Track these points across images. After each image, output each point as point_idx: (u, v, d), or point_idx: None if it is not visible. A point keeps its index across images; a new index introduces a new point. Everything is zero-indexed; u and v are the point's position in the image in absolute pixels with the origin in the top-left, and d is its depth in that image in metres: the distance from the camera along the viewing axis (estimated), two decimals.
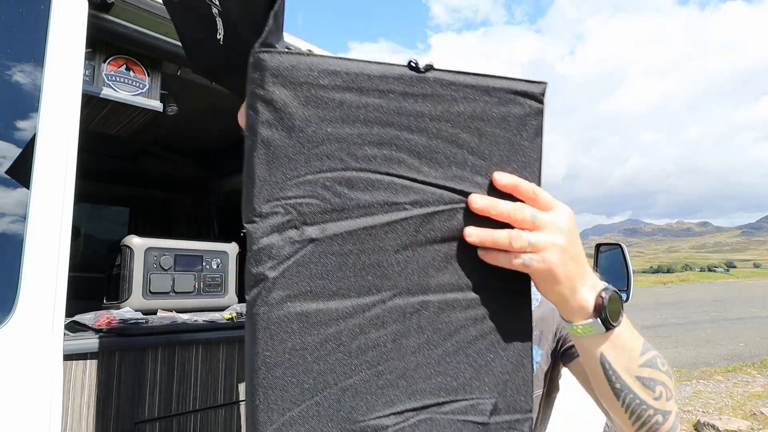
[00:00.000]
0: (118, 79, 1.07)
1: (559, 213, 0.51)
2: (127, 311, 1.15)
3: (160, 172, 2.56)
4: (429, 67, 0.48)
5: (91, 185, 2.32)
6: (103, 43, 1.03)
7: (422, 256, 0.48)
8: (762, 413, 4.04)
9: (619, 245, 2.45)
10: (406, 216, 0.48)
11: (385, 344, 0.47)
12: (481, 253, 0.49)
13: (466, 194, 0.49)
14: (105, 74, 1.05)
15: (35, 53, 0.78)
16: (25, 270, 0.72)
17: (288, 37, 1.25)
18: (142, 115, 1.18)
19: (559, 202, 0.52)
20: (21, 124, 0.76)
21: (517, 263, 0.48)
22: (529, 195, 0.50)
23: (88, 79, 1.02)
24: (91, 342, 0.95)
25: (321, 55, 0.46)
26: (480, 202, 0.48)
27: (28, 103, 0.77)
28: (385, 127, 0.47)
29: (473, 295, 0.50)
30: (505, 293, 0.51)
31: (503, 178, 0.49)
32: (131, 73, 1.09)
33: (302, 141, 0.45)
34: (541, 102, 0.51)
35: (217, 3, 0.54)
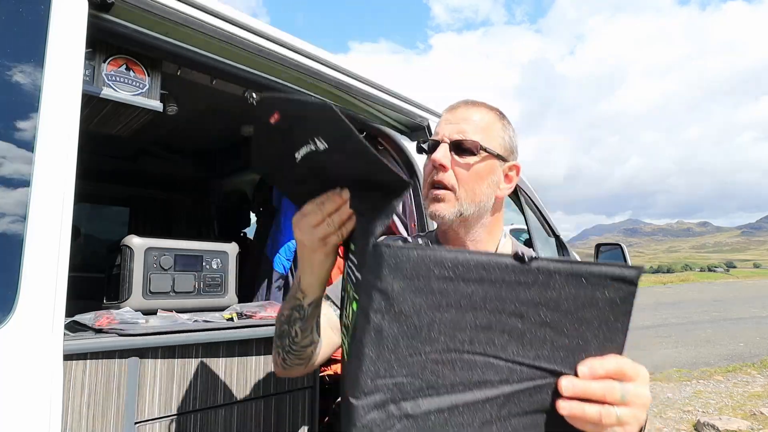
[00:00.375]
0: (118, 79, 1.07)
1: (642, 383, 0.55)
2: (127, 311, 1.15)
3: (160, 172, 2.56)
4: (532, 259, 0.51)
5: (91, 185, 2.32)
6: (103, 43, 1.03)
7: (504, 429, 0.52)
8: (762, 413, 4.03)
9: (619, 245, 2.45)
10: (496, 394, 0.52)
11: None
12: (571, 421, 0.53)
13: (554, 372, 0.53)
14: (105, 74, 1.05)
15: (35, 53, 0.78)
16: (25, 270, 0.72)
17: (288, 38, 1.25)
18: (142, 115, 1.18)
19: (637, 366, 0.55)
20: (21, 123, 0.76)
21: None
22: (617, 374, 0.53)
23: (88, 79, 1.02)
24: (91, 342, 0.95)
25: (433, 248, 0.50)
26: (573, 389, 0.52)
27: (28, 102, 0.77)
28: (488, 312, 0.51)
29: None
30: None
31: (589, 371, 0.52)
32: (131, 73, 1.09)
33: (410, 327, 0.50)
34: (635, 285, 0.53)
35: (322, 145, 0.62)
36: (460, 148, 0.84)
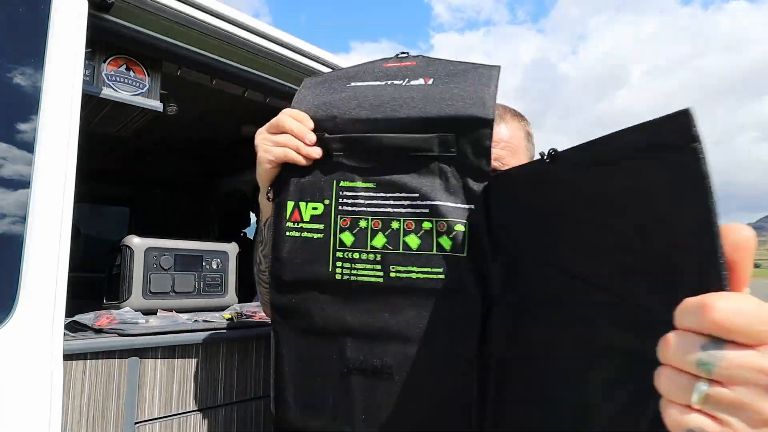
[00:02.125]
0: (118, 79, 1.06)
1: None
2: (127, 311, 1.15)
3: (160, 172, 2.56)
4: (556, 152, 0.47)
5: (91, 185, 2.32)
6: (103, 43, 1.03)
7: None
8: None
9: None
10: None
11: None
12: None
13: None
14: (105, 74, 1.04)
15: (35, 53, 0.78)
16: (25, 270, 0.72)
17: (289, 38, 1.25)
18: (142, 115, 1.18)
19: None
20: (21, 123, 0.76)
21: None
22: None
23: (88, 79, 1.02)
24: (91, 342, 0.95)
25: None
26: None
27: (28, 102, 0.77)
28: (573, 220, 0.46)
29: None
30: None
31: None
32: (131, 73, 1.09)
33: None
34: (699, 143, 0.33)
35: None
36: None
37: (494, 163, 0.72)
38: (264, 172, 0.68)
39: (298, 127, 0.65)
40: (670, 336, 0.30)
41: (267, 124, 0.68)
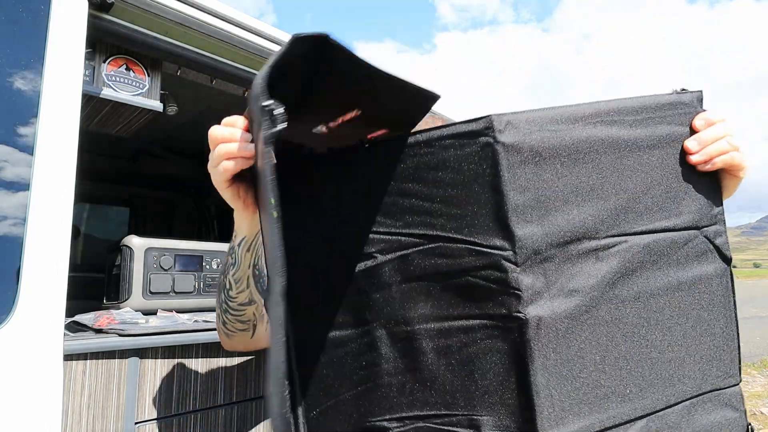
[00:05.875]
0: (118, 79, 1.06)
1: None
2: (127, 311, 1.15)
3: (160, 172, 2.56)
4: (369, 143, 0.58)
5: (91, 185, 2.32)
6: (103, 43, 1.03)
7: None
8: (762, 413, 4.04)
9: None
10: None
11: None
12: (704, 168, 0.57)
13: (423, 236, 0.55)
14: (105, 74, 1.04)
15: (35, 53, 0.78)
16: (25, 270, 0.72)
17: (289, 38, 1.25)
18: (142, 115, 1.18)
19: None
20: (21, 124, 0.76)
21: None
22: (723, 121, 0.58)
23: (88, 79, 1.02)
24: (91, 342, 0.95)
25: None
26: (698, 142, 0.56)
27: (28, 103, 0.77)
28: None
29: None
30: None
31: (705, 121, 0.57)
32: (131, 73, 1.09)
33: None
34: (489, 135, 0.52)
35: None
36: None
37: None
38: (224, 193, 0.63)
39: (230, 133, 0.60)
40: None
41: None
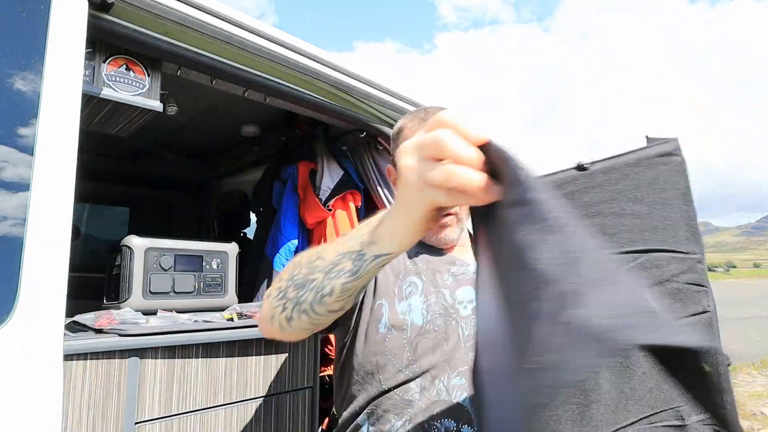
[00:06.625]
0: (118, 79, 1.06)
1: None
2: (127, 311, 1.15)
3: (160, 172, 2.56)
4: (590, 165, 0.59)
5: (91, 185, 2.32)
6: (103, 43, 1.03)
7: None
8: (762, 413, 4.03)
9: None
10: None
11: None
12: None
13: (638, 251, 0.60)
14: (105, 74, 1.04)
15: (35, 53, 0.78)
16: (25, 270, 0.72)
17: (289, 37, 1.25)
18: (142, 115, 1.18)
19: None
20: (21, 124, 0.76)
21: None
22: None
23: (88, 79, 1.02)
24: (91, 342, 0.95)
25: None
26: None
27: (27, 103, 0.77)
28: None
29: None
30: None
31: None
32: (131, 73, 1.09)
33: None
34: (679, 155, 0.60)
35: None
36: None
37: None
38: (421, 212, 0.47)
39: (470, 157, 0.41)
40: None
41: (416, 143, 0.45)
